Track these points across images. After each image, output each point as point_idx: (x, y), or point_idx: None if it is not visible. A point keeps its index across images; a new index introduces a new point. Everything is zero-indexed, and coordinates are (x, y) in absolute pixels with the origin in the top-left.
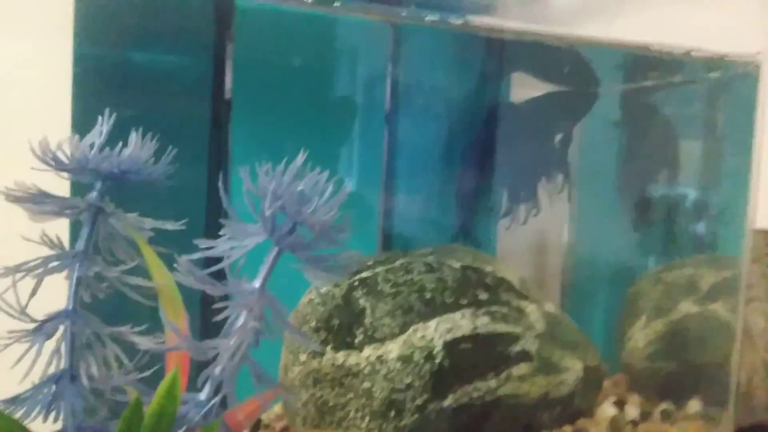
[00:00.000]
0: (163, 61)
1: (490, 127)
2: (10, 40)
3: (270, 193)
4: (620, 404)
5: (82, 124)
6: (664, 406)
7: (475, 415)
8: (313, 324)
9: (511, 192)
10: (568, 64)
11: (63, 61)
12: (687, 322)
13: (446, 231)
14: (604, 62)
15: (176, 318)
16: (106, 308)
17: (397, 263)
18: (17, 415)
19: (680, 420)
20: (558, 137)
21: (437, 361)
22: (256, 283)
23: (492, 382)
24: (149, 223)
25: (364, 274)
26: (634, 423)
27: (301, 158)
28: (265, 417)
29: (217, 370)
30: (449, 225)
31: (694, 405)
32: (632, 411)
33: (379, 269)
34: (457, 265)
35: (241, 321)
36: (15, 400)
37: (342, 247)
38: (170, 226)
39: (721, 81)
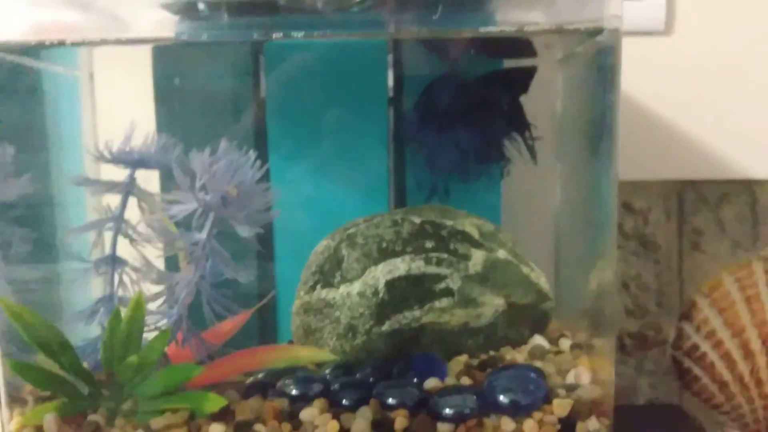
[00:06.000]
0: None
1: (453, 100)
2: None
3: (199, 171)
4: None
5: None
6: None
7: (406, 337)
8: (313, 268)
9: (479, 154)
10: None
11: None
12: None
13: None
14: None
15: (181, 256)
16: None
17: (374, 221)
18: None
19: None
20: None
21: (380, 295)
22: (203, 235)
23: (417, 312)
24: (159, 197)
25: (351, 230)
26: (557, 353)
27: (224, 145)
28: None
29: (178, 291)
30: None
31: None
32: (564, 343)
33: (362, 226)
34: (417, 220)
35: (192, 260)
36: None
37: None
38: (170, 197)
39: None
